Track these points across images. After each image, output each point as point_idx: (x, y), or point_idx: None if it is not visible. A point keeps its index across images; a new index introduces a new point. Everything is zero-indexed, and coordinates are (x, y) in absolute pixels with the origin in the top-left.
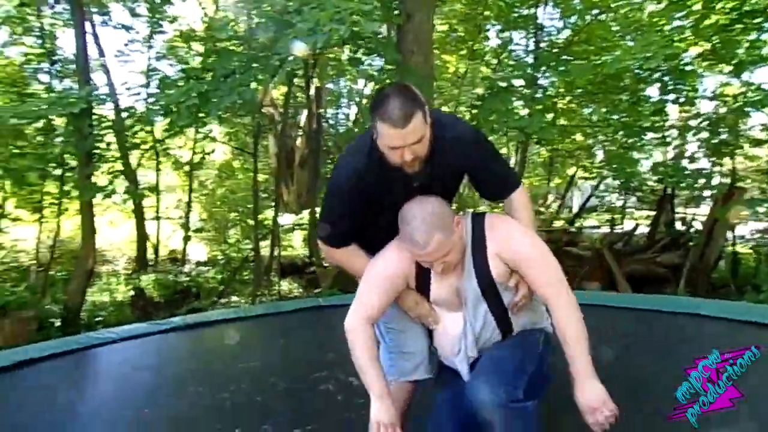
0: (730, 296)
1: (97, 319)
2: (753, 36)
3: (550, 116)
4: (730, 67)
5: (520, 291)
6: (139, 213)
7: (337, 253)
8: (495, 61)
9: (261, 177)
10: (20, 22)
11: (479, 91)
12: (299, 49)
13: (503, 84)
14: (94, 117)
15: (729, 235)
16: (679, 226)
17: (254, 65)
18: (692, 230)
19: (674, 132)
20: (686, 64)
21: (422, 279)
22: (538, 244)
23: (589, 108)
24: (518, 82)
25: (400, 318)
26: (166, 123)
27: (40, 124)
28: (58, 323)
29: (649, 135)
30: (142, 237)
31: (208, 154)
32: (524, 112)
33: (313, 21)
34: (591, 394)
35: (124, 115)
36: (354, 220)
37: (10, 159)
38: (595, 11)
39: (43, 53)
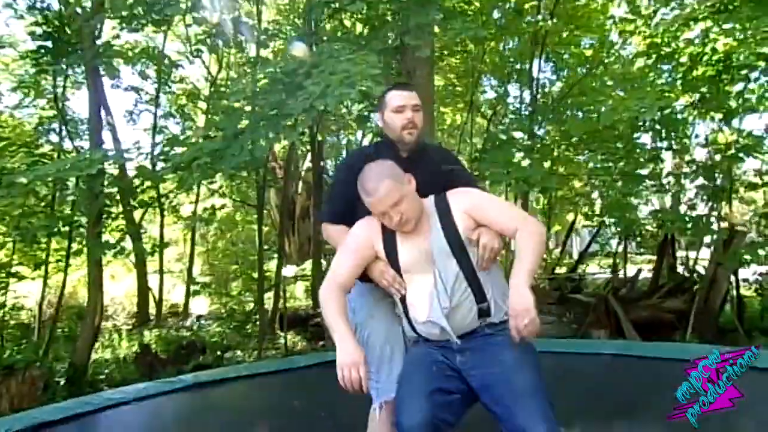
0: (739, 341)
1: (100, 376)
2: (740, 86)
3: (547, 164)
4: (720, 115)
5: (482, 239)
6: (141, 267)
7: (331, 230)
8: (491, 112)
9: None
10: (34, 85)
11: (476, 140)
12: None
13: (503, 137)
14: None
15: (731, 278)
16: (681, 270)
17: (262, 123)
18: (695, 275)
19: (671, 178)
20: (677, 113)
21: (389, 244)
22: (498, 198)
23: (584, 156)
24: (518, 134)
25: (381, 348)
26: (175, 179)
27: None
28: (62, 382)
29: (647, 182)
30: (143, 291)
31: (219, 209)
32: (525, 162)
33: (324, 84)
34: (518, 299)
35: (132, 172)
36: (349, 207)
37: (21, 218)
38: (587, 65)
39: (55, 115)
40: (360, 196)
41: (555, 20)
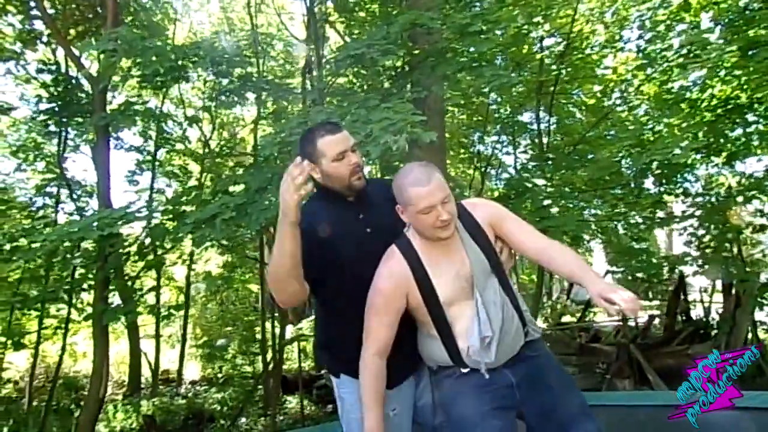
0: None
1: None
2: (739, 131)
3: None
4: (721, 159)
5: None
6: (133, 332)
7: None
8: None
9: (255, 288)
10: (35, 148)
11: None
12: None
13: (529, 184)
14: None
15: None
16: (694, 315)
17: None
18: (711, 319)
19: (677, 222)
20: (679, 158)
21: (423, 283)
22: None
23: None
24: (539, 181)
25: None
26: (194, 237)
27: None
28: None
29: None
30: (136, 358)
31: (224, 268)
32: (554, 210)
33: (363, 133)
34: (602, 284)
35: (138, 231)
36: (311, 264)
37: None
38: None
39: (55, 177)
40: (319, 256)
41: (566, 68)
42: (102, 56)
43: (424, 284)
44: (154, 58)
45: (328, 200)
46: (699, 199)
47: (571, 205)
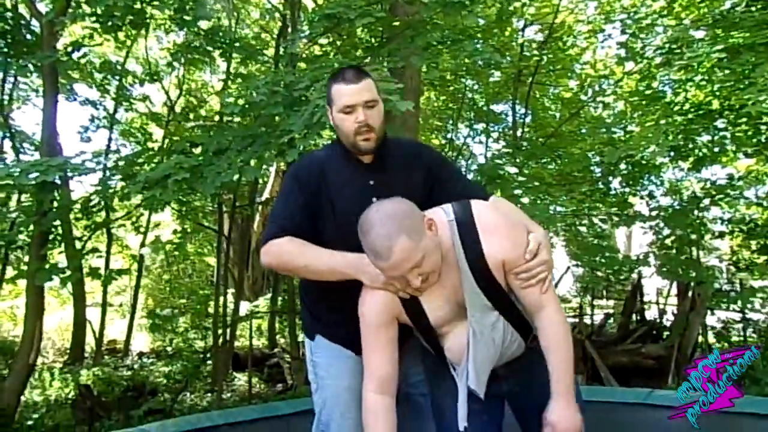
0: None
1: (28, 422)
2: (707, 137)
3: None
4: (688, 164)
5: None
6: (79, 299)
7: (283, 244)
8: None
9: (211, 261)
10: None
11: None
12: None
13: (501, 171)
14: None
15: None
16: (648, 316)
17: (251, 141)
18: (666, 319)
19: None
20: (647, 160)
21: (412, 308)
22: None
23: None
24: (512, 170)
25: None
26: (145, 197)
27: None
28: None
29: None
30: (80, 325)
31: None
32: (525, 200)
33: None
34: (561, 415)
35: (90, 190)
36: (309, 217)
37: None
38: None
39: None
40: (319, 210)
41: (546, 55)
42: None
43: (413, 309)
44: None
45: (344, 156)
46: (663, 201)
47: (538, 201)
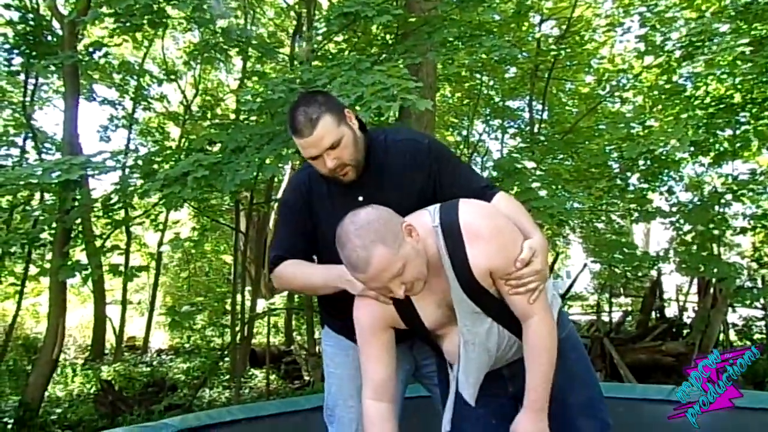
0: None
1: (52, 417)
2: (729, 132)
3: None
4: (709, 159)
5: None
6: (99, 296)
7: (287, 268)
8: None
9: (228, 259)
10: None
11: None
12: None
13: (518, 165)
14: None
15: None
16: (669, 313)
17: (270, 140)
18: (687, 317)
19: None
20: (667, 155)
21: (406, 312)
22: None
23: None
24: (529, 164)
25: None
26: (164, 196)
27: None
28: (11, 423)
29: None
30: (100, 322)
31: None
32: (542, 193)
33: (354, 96)
34: (525, 428)
35: (108, 189)
36: (304, 239)
37: None
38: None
39: (21, 125)
40: (312, 229)
41: (564, 49)
42: None
43: (407, 314)
44: None
45: (327, 177)
46: (683, 197)
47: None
